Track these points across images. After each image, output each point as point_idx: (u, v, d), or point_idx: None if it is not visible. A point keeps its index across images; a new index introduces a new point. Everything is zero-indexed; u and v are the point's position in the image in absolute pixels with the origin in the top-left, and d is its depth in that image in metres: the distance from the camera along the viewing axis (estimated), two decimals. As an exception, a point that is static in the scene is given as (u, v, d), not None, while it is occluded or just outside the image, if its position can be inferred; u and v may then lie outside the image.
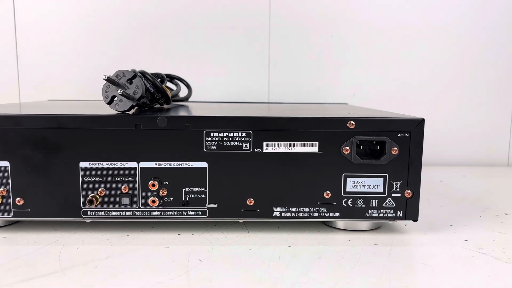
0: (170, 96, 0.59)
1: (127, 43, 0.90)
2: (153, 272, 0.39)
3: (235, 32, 0.91)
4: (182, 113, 0.51)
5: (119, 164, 0.47)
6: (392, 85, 0.93)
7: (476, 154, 0.96)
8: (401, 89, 0.93)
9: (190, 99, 0.75)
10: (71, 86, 0.91)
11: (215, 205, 0.48)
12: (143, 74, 0.56)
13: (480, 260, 0.43)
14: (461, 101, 0.94)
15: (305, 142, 0.47)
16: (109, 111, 0.49)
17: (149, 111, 0.53)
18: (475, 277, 0.39)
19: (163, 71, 0.67)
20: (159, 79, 0.61)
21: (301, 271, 0.40)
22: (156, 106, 0.59)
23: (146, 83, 0.55)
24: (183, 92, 0.74)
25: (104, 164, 0.47)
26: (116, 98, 0.49)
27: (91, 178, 0.47)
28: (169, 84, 0.73)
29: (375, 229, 0.52)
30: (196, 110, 0.59)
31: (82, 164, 0.47)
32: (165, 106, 0.60)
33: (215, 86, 0.92)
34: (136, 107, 0.51)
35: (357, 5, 0.91)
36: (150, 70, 0.59)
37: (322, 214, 0.48)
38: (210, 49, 0.91)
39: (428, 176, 0.72)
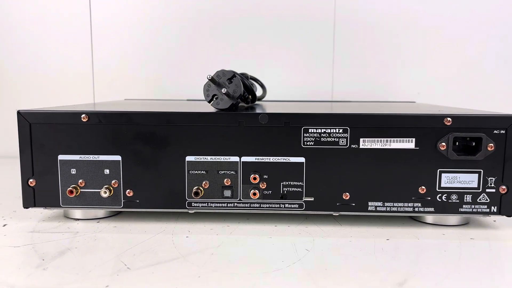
0: (255, 93, 0.62)
1: (194, 43, 0.94)
2: (267, 260, 0.42)
3: (299, 31, 0.92)
4: (278, 110, 0.53)
5: (222, 158, 0.50)
6: (456, 85, 0.93)
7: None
8: (464, 88, 0.93)
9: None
10: (142, 86, 0.95)
11: (312, 199, 0.50)
12: (234, 72, 0.58)
13: None
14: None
15: (401, 139, 0.49)
16: (208, 109, 0.52)
17: (239, 109, 0.55)
18: None
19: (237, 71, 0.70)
20: (248, 77, 0.64)
21: (410, 262, 0.41)
22: (240, 105, 0.62)
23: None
24: (258, 92, 0.76)
25: (208, 158, 0.50)
26: (216, 97, 0.52)
27: (196, 172, 0.50)
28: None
29: (464, 224, 0.52)
30: (282, 108, 0.62)
31: (188, 158, 0.50)
32: (250, 104, 0.63)
33: (279, 85, 0.94)
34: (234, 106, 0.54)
35: (422, 4, 0.91)
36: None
37: (416, 209, 0.50)
38: (274, 49, 0.93)
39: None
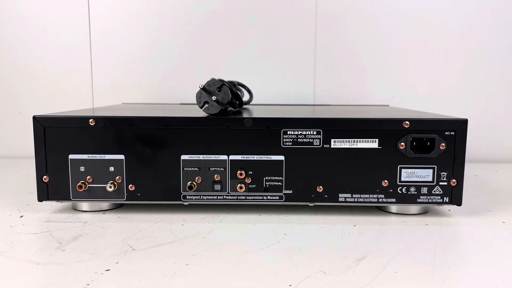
0: (242, 99, 0.69)
1: (186, 53, 1.01)
2: (250, 242, 0.49)
3: (283, 43, 1.00)
4: (261, 115, 0.61)
5: (212, 157, 0.57)
6: (427, 87, 1.02)
7: (506, 151, 1.04)
8: (435, 90, 1.01)
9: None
10: (138, 91, 1.03)
11: (290, 191, 0.58)
12: (222, 80, 0.66)
13: (517, 236, 0.52)
14: (491, 102, 1.02)
15: (366, 139, 0.57)
16: (200, 113, 0.59)
17: (227, 113, 0.62)
18: (514, 249, 0.48)
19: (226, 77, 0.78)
20: (236, 84, 0.71)
21: (370, 243, 0.49)
22: (229, 109, 0.70)
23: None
24: (245, 97, 0.84)
25: (200, 157, 0.57)
26: (207, 103, 0.59)
27: (190, 168, 0.57)
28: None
29: (423, 213, 0.60)
30: (265, 112, 0.69)
31: (183, 157, 0.57)
32: (237, 109, 0.71)
33: (267, 91, 1.02)
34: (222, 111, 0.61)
35: (396, 14, 0.99)
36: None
37: (380, 200, 0.58)
38: (261, 58, 1.01)
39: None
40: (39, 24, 1.00)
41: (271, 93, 1.03)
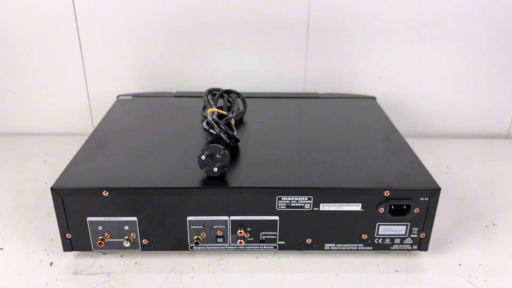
0: (237, 137, 0.74)
1: (181, 38, 1.00)
2: (251, 306, 0.60)
3: (275, 25, 0.99)
4: (258, 181, 0.66)
5: (215, 217, 0.65)
6: (411, 71, 1.05)
7: (477, 125, 1.12)
8: (417, 74, 1.05)
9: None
10: (132, 76, 1.04)
11: (284, 242, 0.67)
12: (218, 124, 0.71)
13: (467, 290, 0.63)
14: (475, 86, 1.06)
15: (351, 203, 0.64)
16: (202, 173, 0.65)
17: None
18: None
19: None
20: (231, 118, 0.76)
21: (348, 306, 0.61)
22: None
23: (222, 134, 0.70)
24: (240, 105, 0.88)
25: (204, 217, 0.65)
26: (208, 166, 0.65)
27: (196, 227, 0.65)
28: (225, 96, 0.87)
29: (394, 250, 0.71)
30: (259, 135, 0.75)
31: (189, 218, 0.65)
32: (233, 144, 0.76)
33: (256, 73, 1.05)
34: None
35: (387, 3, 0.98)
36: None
37: (359, 248, 0.68)
38: (252, 40, 1.01)
39: (435, 157, 0.96)
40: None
41: (263, 76, 1.05)
